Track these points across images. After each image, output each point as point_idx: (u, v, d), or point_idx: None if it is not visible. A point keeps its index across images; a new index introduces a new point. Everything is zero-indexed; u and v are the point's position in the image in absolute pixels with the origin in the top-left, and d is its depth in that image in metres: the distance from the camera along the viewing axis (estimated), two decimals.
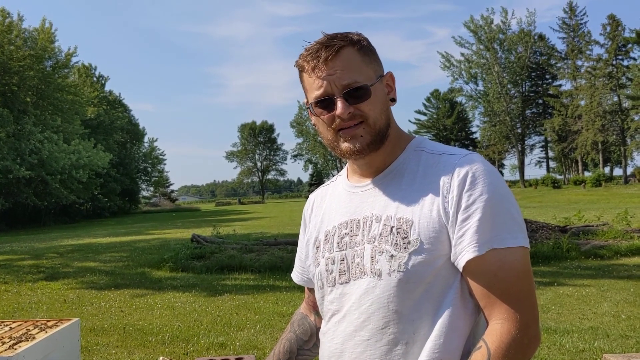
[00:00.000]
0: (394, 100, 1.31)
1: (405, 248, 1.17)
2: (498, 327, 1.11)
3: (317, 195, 1.51)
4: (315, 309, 1.53)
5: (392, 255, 1.18)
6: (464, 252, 1.14)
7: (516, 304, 1.12)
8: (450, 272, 1.17)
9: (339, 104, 1.20)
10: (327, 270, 1.31)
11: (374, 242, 1.22)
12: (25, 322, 2.97)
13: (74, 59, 41.07)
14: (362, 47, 1.25)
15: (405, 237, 1.18)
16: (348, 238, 1.28)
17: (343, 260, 1.27)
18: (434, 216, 1.18)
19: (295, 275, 1.56)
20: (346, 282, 1.26)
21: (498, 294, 1.12)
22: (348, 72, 1.21)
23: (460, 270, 1.16)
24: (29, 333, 2.69)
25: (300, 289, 8.12)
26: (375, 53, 1.29)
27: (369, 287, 1.20)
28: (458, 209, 1.16)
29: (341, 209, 1.35)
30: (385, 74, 1.30)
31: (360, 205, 1.31)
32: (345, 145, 1.24)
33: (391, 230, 1.20)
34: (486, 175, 1.17)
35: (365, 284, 1.21)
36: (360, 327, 1.21)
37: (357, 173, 1.36)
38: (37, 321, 2.96)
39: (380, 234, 1.22)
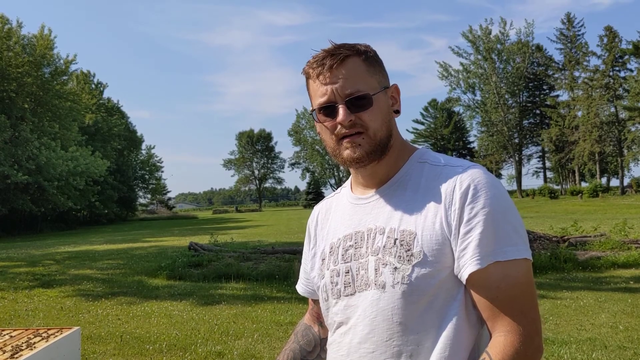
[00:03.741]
0: (398, 112, 1.32)
1: (408, 260, 1.18)
2: (501, 339, 1.12)
3: (321, 208, 1.52)
4: (319, 319, 1.54)
5: (395, 268, 1.19)
6: (467, 265, 1.15)
7: (519, 316, 1.12)
8: (453, 284, 1.18)
9: (341, 111, 1.22)
10: (332, 282, 1.32)
11: (377, 254, 1.23)
12: (26, 330, 2.96)
13: (73, 66, 41.09)
14: (368, 58, 1.27)
15: (409, 250, 1.19)
16: (353, 250, 1.29)
17: (348, 272, 1.28)
18: (437, 229, 1.18)
19: (300, 287, 1.57)
20: (351, 294, 1.26)
21: (501, 307, 1.13)
22: (351, 81, 1.22)
23: (464, 282, 1.17)
24: (30, 342, 2.69)
25: (298, 298, 8.10)
26: (381, 64, 1.31)
27: (374, 300, 1.21)
28: (460, 221, 1.16)
29: (345, 221, 1.36)
30: (390, 85, 1.32)
31: (364, 217, 1.31)
32: (346, 153, 1.26)
33: (395, 243, 1.21)
34: (488, 187, 1.18)
35: (370, 296, 1.22)
36: (365, 339, 1.22)
37: (360, 184, 1.37)
38: (37, 329, 2.95)
39: (384, 246, 1.22)
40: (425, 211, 1.21)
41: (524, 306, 1.13)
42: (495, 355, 1.11)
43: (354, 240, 1.30)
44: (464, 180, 1.19)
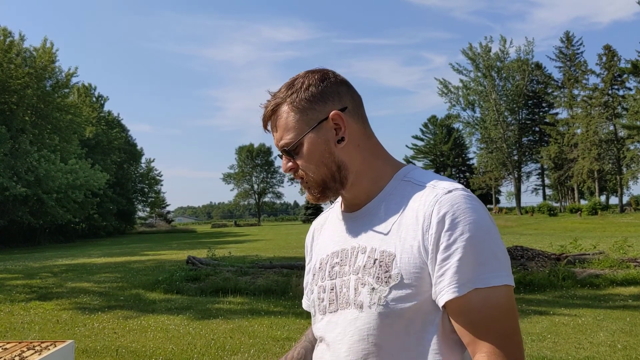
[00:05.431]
0: (342, 140, 1.27)
1: (386, 282, 1.17)
2: (484, 358, 1.09)
3: (317, 223, 1.53)
4: None
5: (373, 288, 1.18)
6: (444, 292, 1.12)
7: (500, 341, 1.10)
8: (432, 308, 1.16)
9: (283, 162, 1.31)
10: (318, 298, 1.33)
11: (358, 273, 1.23)
12: (20, 343, 2.94)
13: (74, 79, 41.25)
14: (297, 101, 1.27)
15: (387, 271, 1.18)
16: (338, 267, 1.29)
17: (332, 289, 1.28)
18: (415, 252, 1.17)
19: (304, 302, 1.57)
20: (334, 311, 1.27)
21: (482, 330, 1.11)
22: (281, 132, 1.28)
23: (441, 309, 1.15)
24: (23, 355, 2.67)
25: (296, 313, 8.07)
26: (316, 97, 1.27)
27: (352, 319, 1.21)
28: (437, 248, 1.14)
29: (334, 237, 1.37)
30: (329, 115, 1.27)
31: (349, 234, 1.32)
32: (307, 195, 1.32)
33: (374, 263, 1.20)
34: (468, 213, 1.14)
35: (349, 315, 1.22)
36: (342, 358, 1.22)
37: (347, 201, 1.38)
38: (31, 342, 2.93)
39: (364, 266, 1.22)
40: (405, 233, 1.20)
41: (506, 330, 1.11)
42: None
43: (339, 258, 1.31)
44: (443, 204, 1.16)
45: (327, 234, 1.42)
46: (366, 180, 1.30)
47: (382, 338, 1.17)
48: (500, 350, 1.09)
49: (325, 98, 1.28)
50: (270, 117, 1.31)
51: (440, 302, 1.13)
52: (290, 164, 1.29)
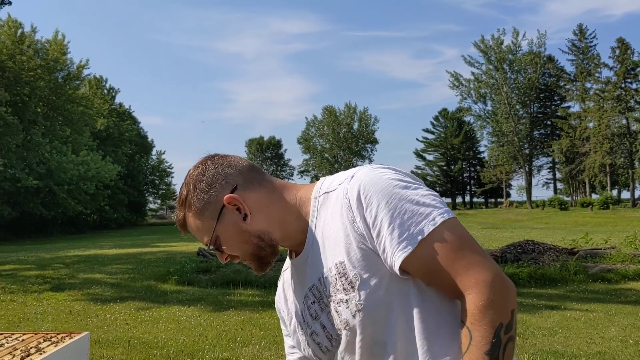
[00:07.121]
0: (247, 216, 1.31)
1: (352, 288, 1.20)
2: (469, 299, 1.11)
3: (278, 297, 1.54)
4: None
5: (347, 301, 1.21)
6: (394, 261, 1.15)
7: (467, 272, 1.12)
8: (399, 281, 1.18)
9: (218, 256, 1.35)
10: (316, 344, 1.34)
11: (330, 297, 1.26)
12: (36, 334, 2.98)
13: (85, 71, 41.45)
14: (192, 204, 1.32)
15: (347, 278, 1.21)
16: (316, 305, 1.31)
17: (324, 327, 1.30)
18: (355, 246, 1.20)
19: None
20: (337, 345, 1.28)
21: (448, 274, 1.13)
22: (198, 235, 1.33)
23: (404, 276, 1.17)
24: (40, 346, 2.71)
25: None
26: (205, 192, 1.31)
27: (349, 339, 1.24)
28: (368, 228, 1.18)
29: (296, 286, 1.40)
30: (223, 202, 1.30)
31: (309, 273, 1.33)
32: (254, 271, 1.38)
33: (337, 279, 1.23)
34: (373, 183, 1.19)
35: (344, 336, 1.25)
36: None
37: (292, 249, 1.40)
38: (47, 333, 2.97)
39: (332, 286, 1.25)
40: (342, 236, 1.22)
41: (467, 261, 1.12)
42: (468, 320, 1.11)
43: (313, 297, 1.33)
44: (352, 189, 1.21)
45: (291, 290, 1.44)
46: (292, 222, 1.34)
47: (377, 336, 1.21)
48: (473, 279, 1.11)
49: (214, 188, 1.32)
50: (184, 228, 1.36)
51: (397, 271, 1.16)
52: (224, 255, 1.34)
